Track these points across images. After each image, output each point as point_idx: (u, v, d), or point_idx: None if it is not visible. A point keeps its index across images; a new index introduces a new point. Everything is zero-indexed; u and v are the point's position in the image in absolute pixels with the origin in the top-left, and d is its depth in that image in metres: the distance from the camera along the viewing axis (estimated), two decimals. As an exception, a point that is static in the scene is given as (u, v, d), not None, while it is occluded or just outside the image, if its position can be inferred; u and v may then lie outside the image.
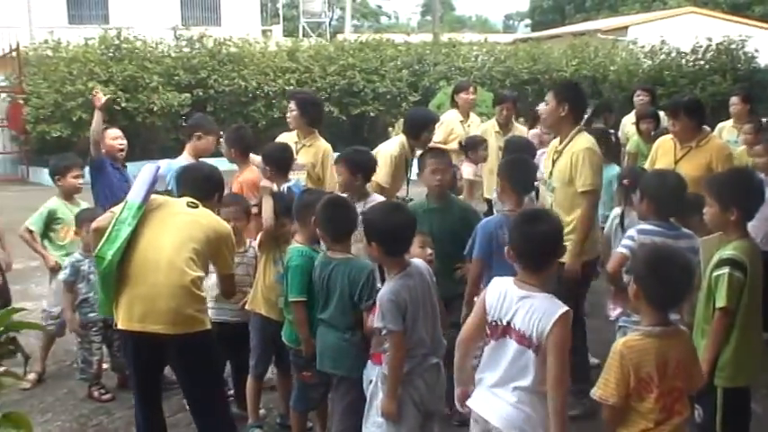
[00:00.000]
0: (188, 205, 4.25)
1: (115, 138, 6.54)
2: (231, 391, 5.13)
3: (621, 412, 3.06)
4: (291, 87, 19.16)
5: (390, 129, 16.01)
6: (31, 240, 5.94)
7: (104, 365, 5.62)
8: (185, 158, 6.09)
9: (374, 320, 3.70)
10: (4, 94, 17.84)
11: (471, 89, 8.92)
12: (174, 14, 26.00)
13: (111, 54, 18.55)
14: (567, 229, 4.64)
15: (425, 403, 3.74)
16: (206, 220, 4.23)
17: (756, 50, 20.98)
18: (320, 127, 6.46)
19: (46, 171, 7.97)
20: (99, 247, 4.01)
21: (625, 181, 5.17)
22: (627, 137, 9.32)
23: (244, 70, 19.13)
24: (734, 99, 8.75)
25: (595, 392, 3.06)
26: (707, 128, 6.06)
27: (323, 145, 6.29)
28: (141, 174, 4.22)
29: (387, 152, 6.01)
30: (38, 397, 5.51)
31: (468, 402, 3.33)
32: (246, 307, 4.81)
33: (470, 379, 3.37)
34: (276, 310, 4.61)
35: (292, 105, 6.36)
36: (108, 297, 4.11)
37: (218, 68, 19.05)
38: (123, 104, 17.53)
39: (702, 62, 21.02)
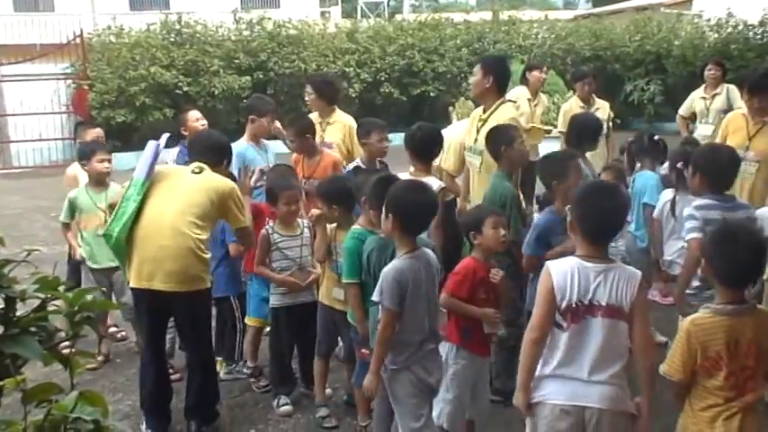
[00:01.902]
0: (192, 171, 4.61)
1: (197, 119, 6.54)
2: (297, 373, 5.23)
3: (687, 388, 3.06)
4: (351, 69, 19.20)
5: (451, 108, 15.86)
6: (65, 232, 5.98)
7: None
8: (244, 141, 6.14)
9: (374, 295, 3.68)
10: (69, 81, 18.21)
11: (545, 68, 8.83)
12: (233, -2, 26.20)
13: (172, 39, 18.80)
14: None
15: (426, 385, 3.77)
16: (208, 182, 4.56)
17: (829, 21, 20.24)
18: (338, 103, 6.78)
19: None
20: (108, 225, 4.54)
21: (679, 164, 5.02)
22: (694, 112, 9.13)
23: (303, 52, 19.17)
24: None
25: (662, 368, 3.07)
26: None
27: (346, 119, 6.62)
28: (145, 151, 4.62)
29: (453, 139, 6.04)
30: (108, 377, 5.64)
31: (551, 399, 3.13)
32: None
33: (532, 380, 3.21)
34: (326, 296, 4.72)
35: (309, 89, 6.61)
36: (123, 265, 4.60)
37: (277, 51, 19.13)
38: (185, 89, 17.76)
39: (771, 34, 20.35)
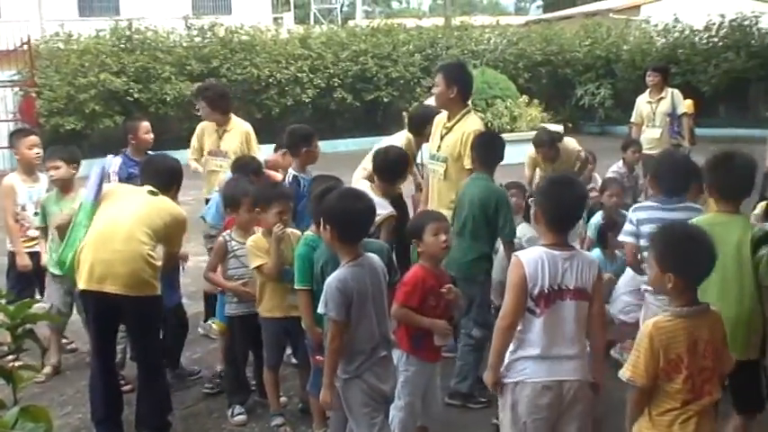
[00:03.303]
0: (149, 192, 4.68)
1: (148, 131, 6.42)
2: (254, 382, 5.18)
3: (648, 394, 3.05)
4: (304, 74, 19.17)
5: (405, 114, 15.92)
6: (40, 239, 5.83)
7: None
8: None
9: (320, 307, 3.67)
10: (16, 88, 17.87)
11: None
12: (184, 4, 25.95)
13: (122, 45, 18.57)
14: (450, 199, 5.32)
15: (378, 393, 3.75)
16: (164, 204, 4.68)
17: (771, 26, 20.75)
18: (231, 111, 6.94)
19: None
20: (60, 251, 4.70)
21: None
22: (641, 117, 9.32)
23: (256, 58, 19.09)
24: None
25: (625, 374, 3.04)
26: None
27: (243, 126, 6.85)
28: (91, 175, 4.72)
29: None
30: (58, 390, 5.52)
31: (532, 378, 3.36)
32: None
33: (502, 363, 3.44)
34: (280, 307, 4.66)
35: (202, 103, 6.72)
36: (74, 281, 4.67)
37: (229, 57, 19.02)
38: (136, 96, 17.55)
39: (716, 39, 20.78)
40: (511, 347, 3.41)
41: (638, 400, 3.07)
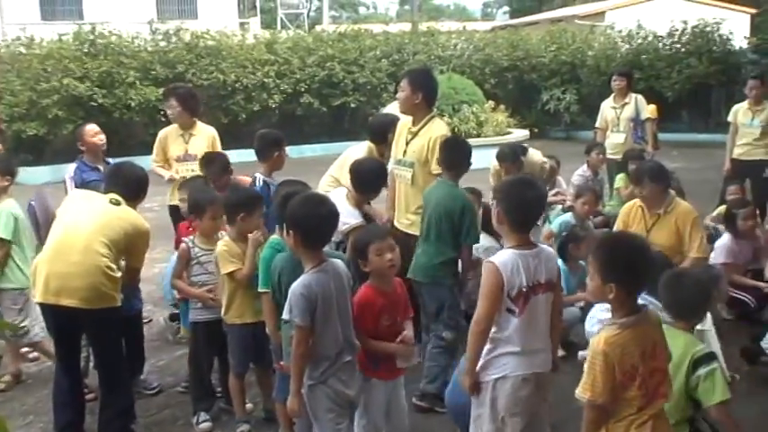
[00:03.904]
0: (110, 201, 4.57)
1: (95, 134, 6.35)
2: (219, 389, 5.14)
3: (606, 411, 3.03)
4: (271, 80, 19.10)
5: (371, 119, 15.94)
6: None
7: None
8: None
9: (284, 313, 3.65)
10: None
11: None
12: (149, 8, 25.80)
13: (85, 50, 18.31)
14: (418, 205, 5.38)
15: (343, 398, 3.74)
16: (126, 215, 4.56)
17: (731, 33, 21.07)
18: (199, 115, 7.00)
19: (23, 170, 7.80)
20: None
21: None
22: (606, 122, 9.42)
23: (222, 63, 18.97)
24: (752, 82, 9.01)
25: (583, 395, 3.01)
26: (672, 192, 5.98)
27: (208, 130, 6.87)
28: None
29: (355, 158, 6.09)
30: (19, 399, 5.42)
31: (514, 372, 3.46)
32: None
33: (477, 365, 3.53)
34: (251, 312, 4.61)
35: (173, 102, 6.68)
36: None
37: (195, 62, 18.88)
38: (100, 101, 17.35)
39: (679, 45, 21.06)
40: (487, 347, 3.49)
41: (597, 418, 3.04)
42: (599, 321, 4.76)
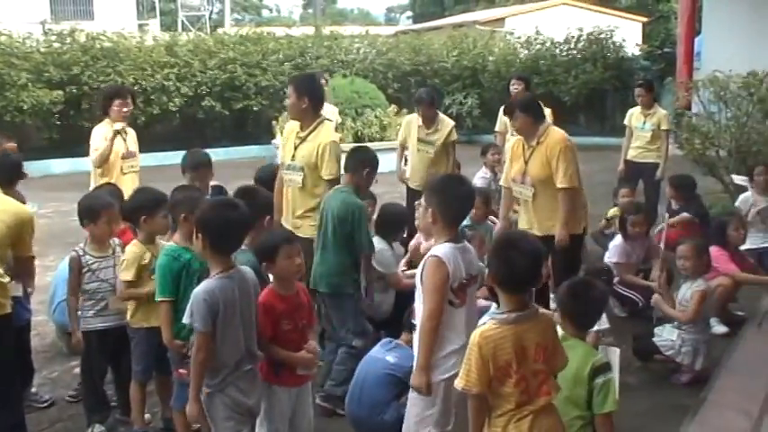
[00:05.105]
0: None
1: None
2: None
3: (486, 400, 3.10)
4: (171, 82, 18.71)
5: (274, 123, 15.79)
6: None
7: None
8: None
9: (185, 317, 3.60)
10: None
11: (324, 80, 8.83)
12: (42, 8, 24.90)
13: (-27, 51, 17.56)
14: (313, 204, 5.56)
15: (242, 407, 3.70)
16: (5, 207, 4.20)
17: (624, 40, 21.85)
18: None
19: None
20: None
21: None
22: (505, 126, 9.58)
23: (119, 66, 18.44)
24: (638, 90, 9.54)
25: (458, 384, 3.10)
26: (547, 122, 6.06)
27: (130, 129, 7.15)
28: None
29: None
30: None
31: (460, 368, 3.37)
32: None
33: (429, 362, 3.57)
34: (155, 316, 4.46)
35: (130, 101, 7.04)
36: None
37: (91, 64, 18.26)
38: (-10, 103, 16.64)
39: (575, 51, 21.68)
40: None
41: (478, 407, 3.12)
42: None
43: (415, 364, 3.65)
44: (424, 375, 3.54)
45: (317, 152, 5.60)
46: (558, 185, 5.70)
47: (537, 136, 5.82)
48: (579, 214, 5.89)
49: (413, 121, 8.06)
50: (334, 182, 5.54)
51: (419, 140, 7.86)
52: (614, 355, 4.07)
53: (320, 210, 5.22)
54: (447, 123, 8.05)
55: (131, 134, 7.15)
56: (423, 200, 3.77)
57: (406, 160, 8.40)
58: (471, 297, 3.69)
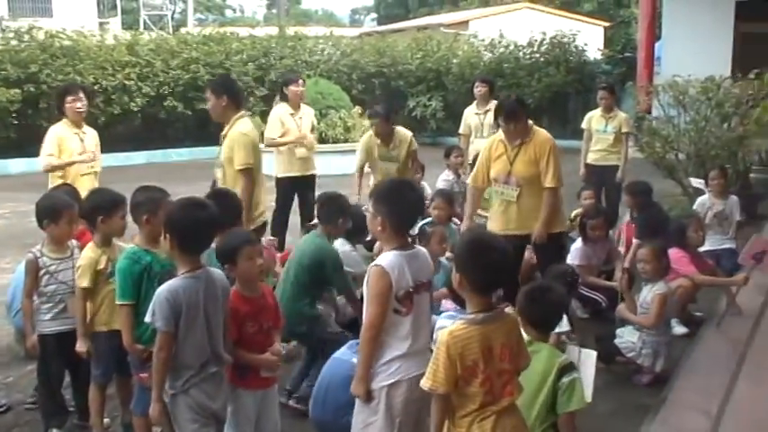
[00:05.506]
0: None
1: None
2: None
3: (450, 400, 3.10)
4: (132, 82, 18.53)
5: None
6: None
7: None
8: None
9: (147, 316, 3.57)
10: None
11: (300, 81, 8.77)
12: None
13: (-73, 48, 17.21)
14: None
15: (207, 410, 3.66)
16: None
17: (586, 44, 22.09)
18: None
19: None
20: None
21: None
22: (469, 128, 9.61)
23: (79, 65, 18.19)
24: (602, 93, 9.66)
25: (425, 383, 3.09)
26: (530, 122, 6.07)
27: (91, 129, 7.14)
28: None
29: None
30: None
31: (407, 375, 3.45)
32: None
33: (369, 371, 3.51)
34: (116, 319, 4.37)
35: (85, 100, 6.92)
36: None
37: (50, 62, 17.99)
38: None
39: (538, 55, 21.84)
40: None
41: (442, 406, 3.12)
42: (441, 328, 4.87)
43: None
44: (363, 384, 3.50)
45: (231, 146, 5.86)
46: (547, 185, 5.84)
47: (523, 135, 5.89)
48: (563, 212, 6.16)
49: (371, 143, 7.78)
50: (245, 173, 5.81)
51: (381, 159, 7.72)
52: (590, 357, 4.07)
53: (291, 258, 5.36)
54: (405, 136, 7.84)
55: (90, 134, 7.05)
56: (370, 207, 3.63)
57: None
58: (420, 304, 3.55)
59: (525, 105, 6.13)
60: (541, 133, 5.99)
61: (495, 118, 6.09)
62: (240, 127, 5.95)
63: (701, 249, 6.98)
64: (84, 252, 4.47)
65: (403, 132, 7.89)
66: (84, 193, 5.43)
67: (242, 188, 5.79)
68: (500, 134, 6.03)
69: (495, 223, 6.05)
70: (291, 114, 8.53)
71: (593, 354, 4.01)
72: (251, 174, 5.90)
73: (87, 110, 6.97)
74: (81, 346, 4.40)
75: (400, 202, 3.55)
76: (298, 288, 5.14)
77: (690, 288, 6.38)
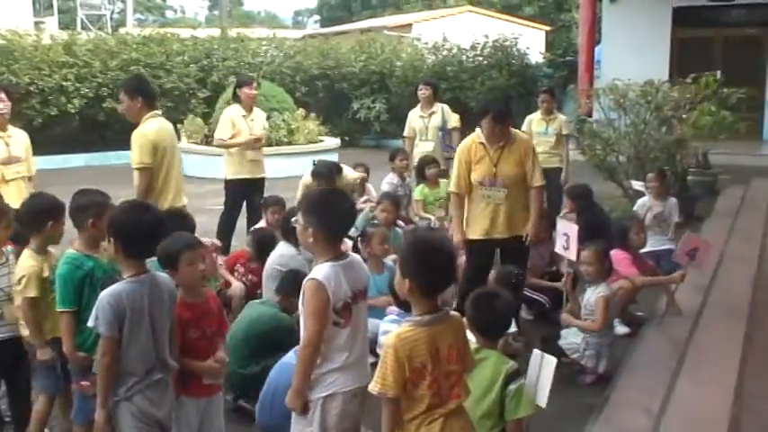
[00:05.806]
0: None
1: None
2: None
3: (399, 404, 3.08)
4: (70, 83, 18.13)
5: (180, 126, 15.46)
6: None
7: None
8: None
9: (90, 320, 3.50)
10: None
11: (254, 84, 8.70)
12: (-70, 3, 23.73)
13: None
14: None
15: (151, 418, 3.60)
16: None
17: (528, 48, 22.39)
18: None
19: None
20: None
21: None
22: (414, 130, 9.62)
23: (14, 65, 17.74)
24: (544, 96, 9.97)
25: (374, 388, 3.06)
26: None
27: (20, 132, 6.82)
28: None
29: None
30: None
31: (343, 388, 3.41)
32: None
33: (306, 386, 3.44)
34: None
35: (8, 101, 6.56)
36: None
37: (-17, 63, 17.55)
38: None
39: (481, 58, 22.09)
40: None
41: (392, 410, 3.10)
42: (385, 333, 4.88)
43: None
44: (299, 398, 3.43)
45: (132, 146, 5.92)
46: (535, 184, 5.96)
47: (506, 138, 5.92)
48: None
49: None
50: (140, 172, 5.86)
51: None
52: (551, 363, 4.04)
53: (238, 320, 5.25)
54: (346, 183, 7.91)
55: (17, 137, 6.66)
56: (300, 219, 3.53)
57: None
58: (358, 315, 3.50)
59: (510, 110, 6.23)
60: (521, 135, 6.16)
61: (480, 120, 5.93)
62: (143, 126, 5.94)
63: (642, 250, 7.10)
64: (22, 260, 4.30)
65: (347, 179, 8.01)
66: (12, 200, 5.26)
67: (136, 186, 5.88)
68: (476, 137, 5.98)
69: (479, 227, 5.97)
70: (244, 116, 8.45)
71: (554, 360, 4.03)
72: (147, 173, 5.90)
73: (10, 111, 6.56)
74: (43, 355, 4.26)
75: (330, 212, 3.47)
76: (242, 354, 4.93)
77: (630, 289, 6.48)
